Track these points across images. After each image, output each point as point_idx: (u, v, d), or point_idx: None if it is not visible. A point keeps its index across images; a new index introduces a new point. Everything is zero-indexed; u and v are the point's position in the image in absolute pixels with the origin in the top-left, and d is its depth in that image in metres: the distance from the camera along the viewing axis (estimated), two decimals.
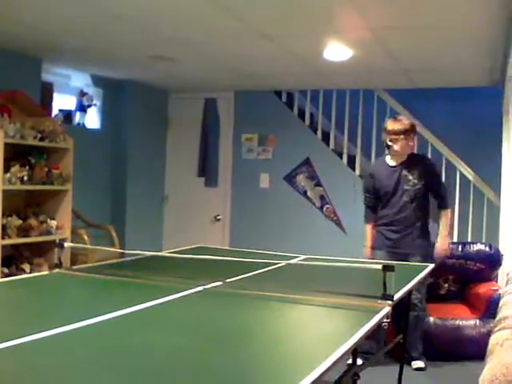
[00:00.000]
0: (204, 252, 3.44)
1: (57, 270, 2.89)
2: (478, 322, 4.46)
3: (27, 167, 4.54)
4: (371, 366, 3.72)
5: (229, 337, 1.87)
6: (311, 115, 6.53)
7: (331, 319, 2.22)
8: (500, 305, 2.86)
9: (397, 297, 2.39)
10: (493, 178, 5.53)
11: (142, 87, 6.43)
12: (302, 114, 6.49)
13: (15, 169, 4.40)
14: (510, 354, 1.80)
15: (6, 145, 4.27)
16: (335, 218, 6.30)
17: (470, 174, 5.85)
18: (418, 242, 4.32)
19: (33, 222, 4.58)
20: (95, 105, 6.10)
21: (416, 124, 4.46)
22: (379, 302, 2.28)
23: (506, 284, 3.45)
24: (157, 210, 6.91)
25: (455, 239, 5.75)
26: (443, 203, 4.42)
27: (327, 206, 6.35)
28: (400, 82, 5.83)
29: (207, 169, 6.83)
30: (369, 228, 4.47)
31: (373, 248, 4.40)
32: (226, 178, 6.79)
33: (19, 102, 4.72)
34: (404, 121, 4.32)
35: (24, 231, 4.51)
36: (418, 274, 3.09)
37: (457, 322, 4.47)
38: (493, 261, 4.80)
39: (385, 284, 2.31)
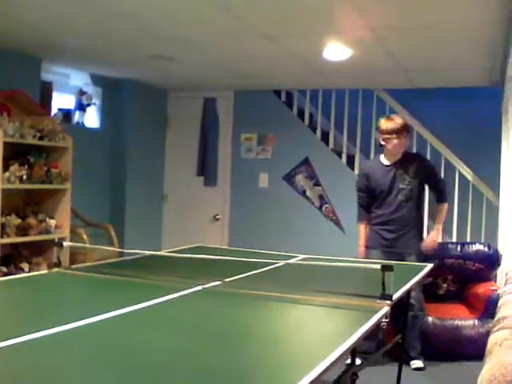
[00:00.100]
0: (203, 251, 3.44)
1: (56, 269, 2.89)
2: (476, 321, 4.47)
3: (26, 166, 4.53)
4: (370, 365, 3.72)
5: (228, 336, 1.87)
6: (310, 115, 6.53)
7: (330, 319, 2.22)
8: (499, 305, 2.86)
9: (396, 297, 2.39)
10: (492, 178, 5.54)
11: (141, 86, 6.43)
12: (301, 114, 6.49)
13: (14, 168, 4.39)
14: (509, 354, 1.80)
15: (5, 144, 4.26)
16: (334, 218, 6.30)
17: (469, 173, 5.86)
18: (414, 241, 4.34)
19: (32, 221, 4.58)
20: (94, 104, 6.10)
21: (409, 123, 4.46)
22: (378, 301, 2.28)
23: (505, 284, 3.46)
24: (156, 209, 6.90)
25: (454, 239, 5.75)
26: (442, 197, 4.47)
27: (326, 205, 6.35)
28: (399, 82, 5.83)
29: (206, 168, 6.83)
30: (362, 227, 4.48)
31: (367, 247, 4.40)
32: (225, 178, 6.79)
33: (18, 101, 4.72)
34: (397, 120, 4.32)
35: (23, 230, 4.50)
36: (416, 274, 3.09)
37: (455, 322, 4.48)
38: (492, 261, 4.81)
39: (383, 284, 2.31)
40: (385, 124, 4.32)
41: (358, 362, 2.66)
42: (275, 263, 3.18)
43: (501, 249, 4.84)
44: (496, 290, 4.51)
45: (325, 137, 6.40)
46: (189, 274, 2.85)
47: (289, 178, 6.51)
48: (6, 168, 4.31)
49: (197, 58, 5.05)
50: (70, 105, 5.93)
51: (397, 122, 4.29)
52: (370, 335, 2.03)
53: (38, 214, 4.73)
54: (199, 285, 2.56)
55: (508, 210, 4.57)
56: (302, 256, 3.66)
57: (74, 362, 1.56)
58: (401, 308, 3.55)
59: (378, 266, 2.35)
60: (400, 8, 3.51)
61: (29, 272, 4.31)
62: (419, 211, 4.41)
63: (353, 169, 6.19)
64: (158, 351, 1.66)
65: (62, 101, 5.86)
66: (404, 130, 4.29)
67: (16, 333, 1.73)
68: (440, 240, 4.56)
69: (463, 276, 4.89)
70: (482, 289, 4.67)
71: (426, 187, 4.61)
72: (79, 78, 5.98)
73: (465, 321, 4.49)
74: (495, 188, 5.50)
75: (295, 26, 3.96)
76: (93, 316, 1.97)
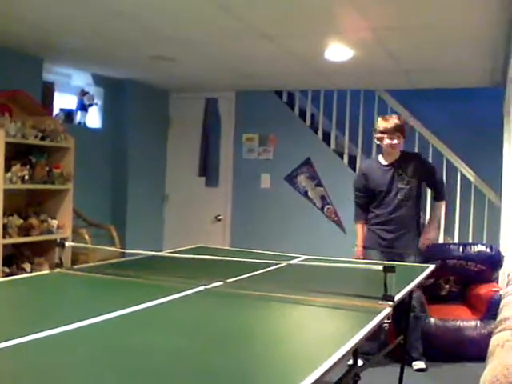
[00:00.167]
0: (204, 252, 3.44)
1: (58, 270, 2.89)
2: (478, 323, 4.46)
3: (28, 166, 4.53)
4: (372, 366, 3.72)
5: (230, 337, 1.87)
6: (312, 115, 6.52)
7: (332, 320, 2.22)
8: (501, 306, 2.86)
9: (398, 298, 2.39)
10: (494, 179, 5.53)
11: (142, 87, 6.43)
12: (302, 114, 6.49)
13: (16, 168, 4.39)
14: (511, 355, 1.80)
15: (7, 144, 4.26)
16: (336, 219, 6.30)
17: (470, 174, 5.85)
18: (414, 242, 4.33)
19: (34, 221, 4.58)
20: (96, 104, 6.10)
21: (406, 124, 4.44)
22: (380, 302, 2.28)
23: (507, 285, 3.45)
24: (157, 209, 6.91)
25: (456, 240, 5.75)
26: (440, 195, 4.48)
27: (328, 206, 6.35)
28: (401, 83, 5.83)
29: (208, 169, 6.83)
30: (359, 227, 4.47)
31: (365, 247, 4.40)
32: (227, 178, 6.79)
33: (20, 102, 4.72)
34: (391, 120, 4.31)
35: (25, 230, 4.50)
36: (418, 275, 3.09)
37: (458, 323, 4.47)
38: (493, 262, 4.80)
39: (385, 285, 2.31)
40: (379, 123, 4.34)
41: (360, 362, 2.65)
42: (277, 264, 3.18)
43: (503, 250, 4.84)
44: (498, 291, 4.50)
45: (326, 137, 6.40)
46: (191, 274, 2.85)
47: (290, 178, 6.51)
48: (7, 168, 4.31)
49: (198, 58, 5.05)
50: (72, 105, 5.94)
51: (390, 121, 4.29)
52: (371, 336, 2.03)
53: (39, 215, 4.73)
54: (201, 285, 2.56)
55: (510, 211, 4.57)
56: (304, 257, 3.66)
57: (76, 362, 1.56)
58: (402, 309, 3.55)
59: (380, 267, 2.35)
60: (401, 8, 3.51)
61: (31, 272, 4.31)
62: (418, 210, 4.41)
63: (354, 169, 6.19)
64: (160, 352, 1.66)
65: (63, 101, 5.86)
66: (397, 130, 4.27)
67: (18, 333, 1.73)
68: (437, 238, 4.56)
69: (465, 277, 4.89)
70: (484, 290, 4.67)
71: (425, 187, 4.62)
72: (81, 79, 5.99)
73: (467, 322, 4.48)
74: (497, 189, 5.49)
75: (296, 26, 3.96)
76: (95, 316, 1.97)
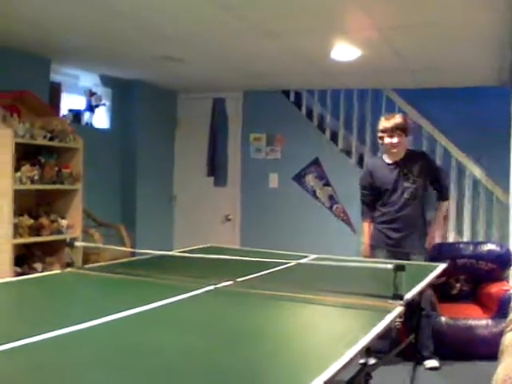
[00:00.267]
0: (213, 251, 3.45)
1: (69, 269, 2.90)
2: (489, 321, 4.44)
3: (37, 167, 4.54)
4: (384, 365, 3.71)
5: (239, 336, 1.87)
6: (320, 115, 6.51)
7: (343, 319, 2.21)
8: (511, 305, 2.85)
9: (408, 297, 2.38)
10: (502, 178, 5.51)
11: (150, 87, 6.44)
12: (310, 114, 6.49)
13: (25, 168, 4.40)
14: None
15: (16, 144, 4.27)
16: (345, 218, 6.29)
17: (479, 173, 5.83)
18: (420, 241, 4.31)
19: (44, 221, 4.59)
20: (104, 105, 6.11)
21: (408, 123, 4.40)
22: (390, 301, 2.27)
23: None
24: (166, 209, 6.92)
25: (466, 239, 5.73)
26: (445, 195, 4.46)
27: (336, 205, 6.34)
28: (408, 82, 5.81)
29: (216, 168, 6.84)
30: (366, 225, 4.47)
31: (372, 246, 4.39)
32: (235, 178, 6.79)
33: (28, 102, 4.74)
34: (393, 119, 4.30)
35: (35, 230, 4.52)
36: (429, 274, 3.07)
37: (469, 322, 4.46)
38: (504, 260, 4.79)
39: (395, 284, 2.30)
40: (380, 122, 4.35)
41: (371, 361, 2.65)
42: (287, 263, 3.18)
43: None
44: (509, 289, 4.49)
45: (334, 137, 6.39)
46: (200, 273, 2.85)
47: (299, 178, 6.51)
48: (17, 169, 4.32)
49: (205, 58, 5.06)
50: (80, 106, 5.95)
51: (391, 121, 4.28)
52: (382, 335, 2.02)
53: (50, 215, 4.75)
54: (211, 285, 2.56)
55: None
56: (314, 256, 3.66)
57: (87, 362, 1.57)
58: (413, 308, 3.54)
59: (390, 266, 2.35)
60: (406, 7, 3.50)
61: (42, 272, 4.33)
62: (424, 210, 4.40)
63: (362, 168, 6.18)
64: (170, 351, 1.67)
65: (71, 102, 5.88)
66: (398, 128, 4.25)
67: (31, 332, 1.74)
68: (445, 236, 4.54)
69: (476, 276, 4.87)
70: (494, 289, 4.65)
71: None
72: (89, 79, 6.00)
73: (478, 321, 4.47)
74: (506, 187, 5.46)
75: (302, 25, 3.95)
76: (106, 315, 1.97)
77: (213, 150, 6.85)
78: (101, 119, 6.18)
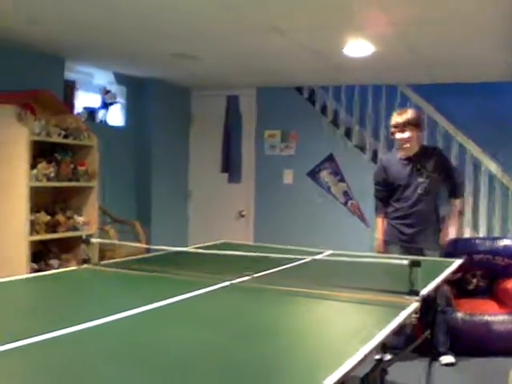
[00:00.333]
0: (228, 248, 3.46)
1: (85, 266, 2.92)
2: (506, 317, 4.42)
3: (53, 164, 4.58)
4: (399, 361, 3.70)
5: (255, 332, 1.88)
6: (334, 111, 6.50)
7: (358, 315, 2.21)
8: None
9: (424, 292, 2.37)
10: None
11: (164, 85, 6.46)
12: (324, 110, 6.47)
13: (42, 166, 4.44)
14: None
15: (32, 142, 4.31)
16: (359, 214, 6.28)
17: (495, 168, 5.78)
18: (434, 237, 4.29)
19: (60, 217, 4.63)
20: (118, 102, 6.14)
21: (418, 116, 4.35)
22: (406, 297, 2.27)
23: None
24: (181, 206, 6.94)
25: (482, 234, 5.69)
26: (458, 191, 4.42)
27: (351, 201, 6.33)
28: (422, 78, 5.78)
29: (230, 165, 6.85)
30: (380, 220, 4.45)
31: (386, 242, 4.37)
32: (250, 175, 6.80)
33: (43, 101, 4.77)
34: (404, 114, 4.27)
35: (52, 227, 4.55)
36: (445, 270, 3.06)
37: (485, 318, 4.43)
38: None
39: (411, 280, 2.30)
40: (392, 118, 4.33)
41: (387, 357, 2.64)
42: (302, 259, 3.18)
43: None
44: None
45: (348, 133, 6.37)
46: (216, 269, 2.86)
47: (313, 174, 6.50)
48: (33, 166, 4.36)
49: (218, 55, 5.07)
50: (95, 103, 5.99)
51: (403, 116, 4.26)
52: (398, 331, 2.02)
53: (66, 211, 4.79)
54: (227, 280, 2.57)
55: None
56: (329, 252, 3.65)
57: (104, 357, 1.58)
58: (429, 304, 3.53)
59: (406, 262, 2.34)
60: (421, 2, 3.47)
61: (58, 268, 4.36)
62: (437, 206, 4.37)
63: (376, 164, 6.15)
64: (186, 346, 1.68)
65: (86, 99, 5.91)
66: (409, 123, 4.22)
67: (48, 328, 1.75)
68: (461, 234, 4.51)
69: (492, 271, 4.84)
70: (511, 284, 4.62)
71: None
72: (103, 77, 6.03)
73: (494, 316, 4.44)
74: None
75: (316, 22, 3.94)
76: (122, 311, 1.99)
77: (227, 146, 6.86)
78: (115, 117, 6.21)
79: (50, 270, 4.12)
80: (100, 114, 5.98)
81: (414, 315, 2.11)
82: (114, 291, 2.56)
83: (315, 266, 3.22)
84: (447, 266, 3.17)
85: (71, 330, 1.76)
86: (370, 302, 2.29)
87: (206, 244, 3.75)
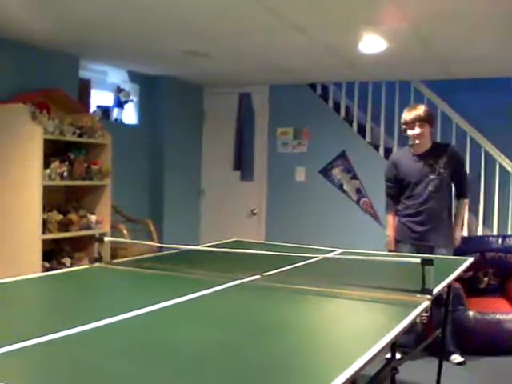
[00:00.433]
0: (239, 246, 3.47)
1: (97, 264, 2.94)
2: None
3: (67, 163, 4.61)
4: (410, 359, 3.69)
5: (266, 330, 1.88)
6: (347, 108, 6.48)
7: (369, 313, 2.21)
8: None
9: (436, 291, 2.37)
10: None
11: (177, 82, 6.48)
12: (337, 107, 6.46)
13: (55, 165, 4.48)
14: None
15: (46, 141, 4.35)
16: (372, 211, 6.26)
17: (509, 165, 5.75)
18: (444, 234, 4.25)
19: (73, 216, 4.66)
20: (132, 101, 6.17)
21: (428, 112, 4.31)
22: (418, 296, 2.26)
23: None
24: (194, 204, 6.97)
25: (495, 232, 5.66)
26: (465, 192, 4.38)
27: (364, 199, 6.32)
28: (436, 73, 5.75)
29: (243, 163, 6.86)
30: (390, 218, 4.42)
31: (396, 240, 4.34)
32: (262, 172, 6.80)
33: (57, 99, 4.81)
34: (414, 110, 4.23)
35: (65, 226, 4.59)
36: (457, 268, 3.05)
37: (497, 316, 4.41)
38: None
39: (424, 278, 2.29)
40: (403, 114, 4.30)
41: (397, 356, 2.64)
42: (313, 257, 3.18)
43: None
44: None
45: (361, 130, 6.35)
46: (227, 268, 2.87)
47: (325, 171, 6.49)
48: (46, 165, 4.39)
49: (231, 52, 5.07)
50: (109, 102, 6.02)
51: (412, 112, 4.22)
52: (408, 329, 2.02)
53: (79, 210, 4.82)
54: (238, 279, 2.58)
55: None
56: (340, 250, 3.65)
57: (117, 355, 1.59)
58: (440, 302, 3.52)
59: (417, 260, 2.33)
60: None
61: (71, 267, 4.40)
62: (448, 202, 4.32)
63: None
64: (197, 344, 1.68)
65: (100, 98, 5.95)
66: (419, 120, 4.19)
67: (63, 326, 1.77)
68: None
69: (504, 269, 4.81)
70: None
71: None
72: (117, 76, 6.07)
73: (506, 315, 4.42)
74: None
75: (330, 19, 3.94)
76: (134, 310, 2.00)
77: (239, 144, 6.87)
78: (129, 115, 6.24)
79: (62, 268, 4.16)
80: (114, 113, 6.01)
81: (424, 314, 2.11)
82: (126, 290, 2.57)
83: (327, 265, 3.22)
84: (459, 264, 3.16)
85: (84, 329, 1.78)
86: (381, 301, 2.29)
87: (218, 242, 3.77)
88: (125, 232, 5.12)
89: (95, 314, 1.93)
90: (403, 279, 2.70)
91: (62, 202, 4.87)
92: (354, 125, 6.37)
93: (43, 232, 4.36)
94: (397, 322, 1.92)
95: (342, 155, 6.41)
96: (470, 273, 4.68)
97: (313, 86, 6.54)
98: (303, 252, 3.19)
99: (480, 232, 5.71)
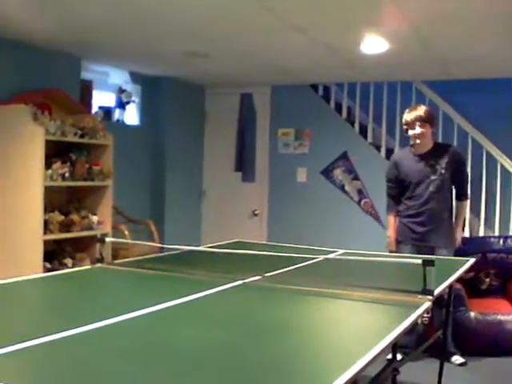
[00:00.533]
0: (240, 247, 3.47)
1: (99, 265, 2.94)
2: None
3: (68, 164, 4.62)
4: (411, 361, 3.69)
5: (267, 331, 1.88)
6: (348, 108, 6.48)
7: (370, 314, 2.21)
8: None
9: (437, 292, 2.36)
10: None
11: (178, 83, 6.49)
12: (338, 108, 6.46)
13: (56, 165, 4.48)
14: None
15: (47, 142, 4.35)
16: (373, 212, 6.26)
17: (510, 166, 5.74)
18: (445, 235, 4.24)
19: (75, 217, 4.67)
20: (134, 101, 6.18)
21: (429, 113, 4.30)
22: (419, 297, 2.26)
23: None
24: (195, 204, 6.97)
25: (496, 233, 5.66)
26: (465, 193, 4.38)
27: (365, 199, 6.32)
28: (438, 74, 5.75)
29: (244, 164, 6.86)
30: (391, 218, 4.42)
31: (397, 241, 4.34)
32: (263, 173, 6.80)
33: (59, 100, 4.82)
34: (414, 111, 4.23)
35: (66, 226, 4.59)
36: (458, 269, 3.05)
37: (498, 317, 4.40)
38: None
39: (425, 279, 2.29)
40: (404, 114, 4.30)
41: (398, 357, 2.64)
42: (314, 258, 3.18)
43: None
44: None
45: (363, 130, 6.35)
46: (228, 268, 2.87)
47: (327, 172, 6.49)
48: (48, 166, 4.40)
49: (232, 53, 5.08)
50: (111, 103, 6.02)
51: (412, 113, 4.22)
52: (409, 330, 2.02)
53: (80, 211, 4.82)
54: (239, 279, 2.58)
55: None
56: (341, 251, 3.65)
57: (118, 355, 1.60)
58: (441, 303, 3.52)
59: (419, 261, 2.33)
60: None
61: (72, 267, 4.40)
62: (449, 203, 4.32)
63: None
64: (198, 345, 1.69)
65: (102, 99, 5.95)
66: (420, 120, 4.19)
67: (62, 327, 1.77)
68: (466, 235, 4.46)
69: (506, 270, 4.81)
70: None
71: None
72: (118, 76, 6.07)
73: (508, 316, 4.41)
74: None
75: (331, 19, 3.94)
76: (136, 310, 2.00)
77: (241, 145, 6.87)
78: (131, 116, 6.25)
79: (63, 269, 4.16)
80: (116, 114, 6.01)
81: (425, 315, 2.11)
82: (128, 290, 2.58)
83: (328, 266, 3.22)
84: (460, 265, 3.16)
85: (85, 329, 1.78)
86: (382, 301, 2.29)
87: (219, 243, 3.77)
88: (126, 233, 5.13)
89: (96, 315, 1.93)
90: (404, 280, 2.70)
91: (64, 202, 4.87)
92: (356, 125, 6.37)
93: (45, 233, 4.37)
94: (398, 322, 1.92)
95: (344, 156, 6.41)
96: (472, 274, 4.68)
97: (314, 87, 6.54)
98: (304, 253, 3.19)
99: (481, 233, 5.70)
